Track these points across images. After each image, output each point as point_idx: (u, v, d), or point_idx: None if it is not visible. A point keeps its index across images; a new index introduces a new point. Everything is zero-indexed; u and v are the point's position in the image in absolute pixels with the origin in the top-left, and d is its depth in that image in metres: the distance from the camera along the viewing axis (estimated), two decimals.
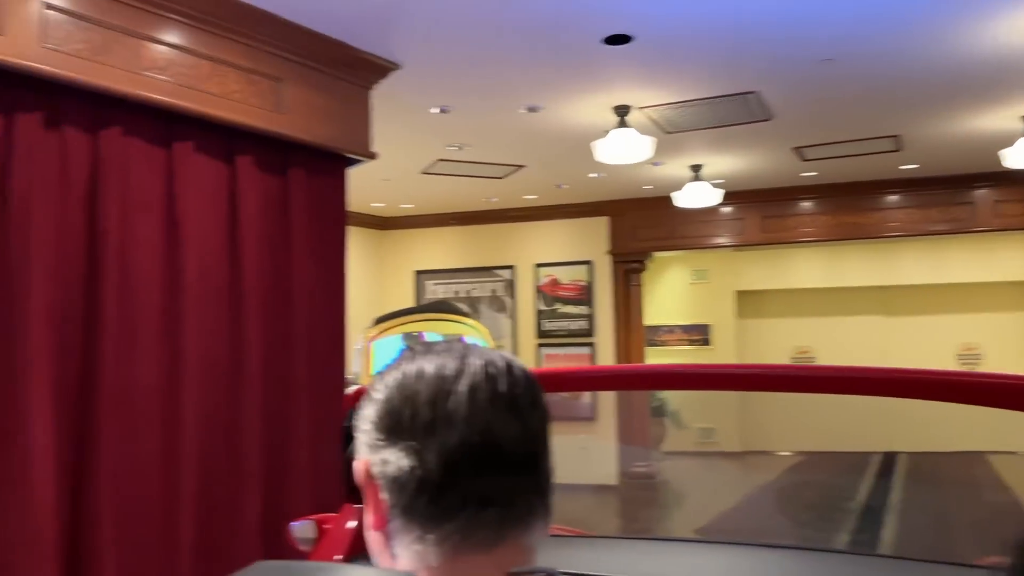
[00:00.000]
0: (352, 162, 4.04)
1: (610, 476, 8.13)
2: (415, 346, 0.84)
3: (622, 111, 4.92)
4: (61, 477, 2.81)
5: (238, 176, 3.46)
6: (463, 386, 0.76)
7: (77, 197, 2.93)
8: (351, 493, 2.00)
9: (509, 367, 0.79)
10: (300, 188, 3.72)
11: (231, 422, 3.37)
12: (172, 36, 3.17)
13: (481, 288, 8.72)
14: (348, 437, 2.05)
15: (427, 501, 0.74)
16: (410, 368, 0.79)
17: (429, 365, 0.78)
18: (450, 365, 0.78)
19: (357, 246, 7.03)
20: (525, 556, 0.76)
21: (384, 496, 0.76)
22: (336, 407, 3.89)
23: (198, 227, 3.28)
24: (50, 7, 2.78)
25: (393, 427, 0.76)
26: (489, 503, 0.74)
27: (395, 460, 0.75)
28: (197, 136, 3.30)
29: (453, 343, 0.82)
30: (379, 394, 0.79)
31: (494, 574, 0.74)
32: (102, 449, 2.91)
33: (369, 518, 0.78)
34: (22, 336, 2.72)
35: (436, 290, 8.82)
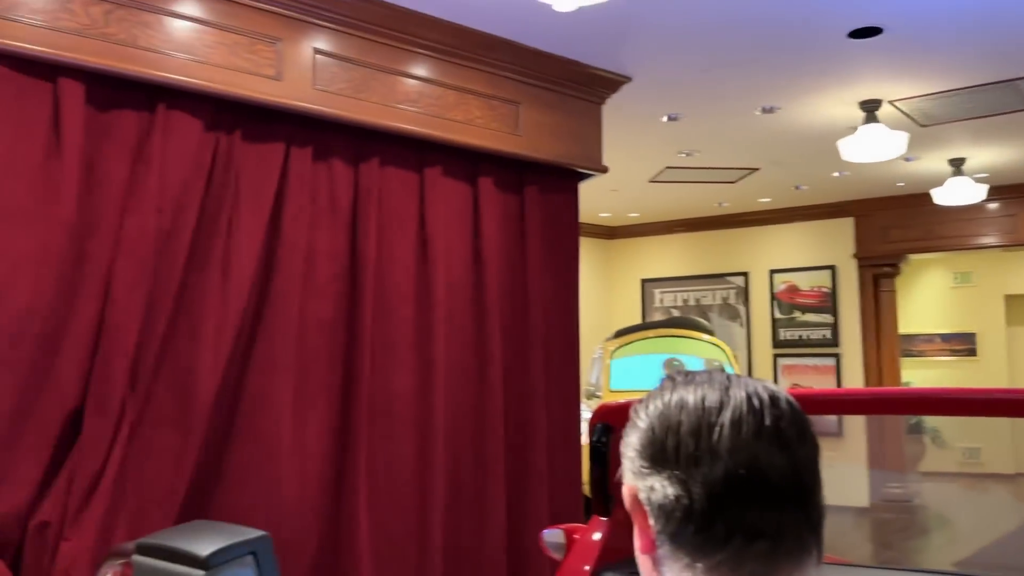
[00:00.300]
0: (584, 176, 4.12)
1: (861, 497, 7.57)
2: (675, 375, 0.85)
3: (870, 106, 4.59)
4: (326, 475, 3.11)
5: (480, 197, 3.66)
6: (726, 418, 0.76)
7: (341, 222, 3.24)
8: (599, 506, 2.04)
9: (774, 399, 0.78)
10: (535, 204, 3.85)
11: (477, 428, 3.56)
12: (421, 70, 3.42)
13: (711, 296, 8.49)
14: (596, 453, 2.08)
15: (694, 531, 0.74)
16: (671, 398, 0.80)
17: (690, 396, 0.79)
18: (711, 396, 0.78)
19: (585, 256, 7.09)
20: None
21: (652, 522, 0.78)
22: (572, 414, 3.97)
23: (446, 246, 3.51)
24: (320, 52, 3.11)
25: (657, 456, 0.78)
26: (758, 536, 0.74)
27: (661, 488, 0.77)
28: (444, 161, 3.53)
29: (714, 373, 0.82)
30: (642, 423, 0.81)
31: None
32: (362, 451, 3.18)
33: (638, 542, 0.80)
34: (286, 345, 3.03)
35: (663, 298, 8.71)
